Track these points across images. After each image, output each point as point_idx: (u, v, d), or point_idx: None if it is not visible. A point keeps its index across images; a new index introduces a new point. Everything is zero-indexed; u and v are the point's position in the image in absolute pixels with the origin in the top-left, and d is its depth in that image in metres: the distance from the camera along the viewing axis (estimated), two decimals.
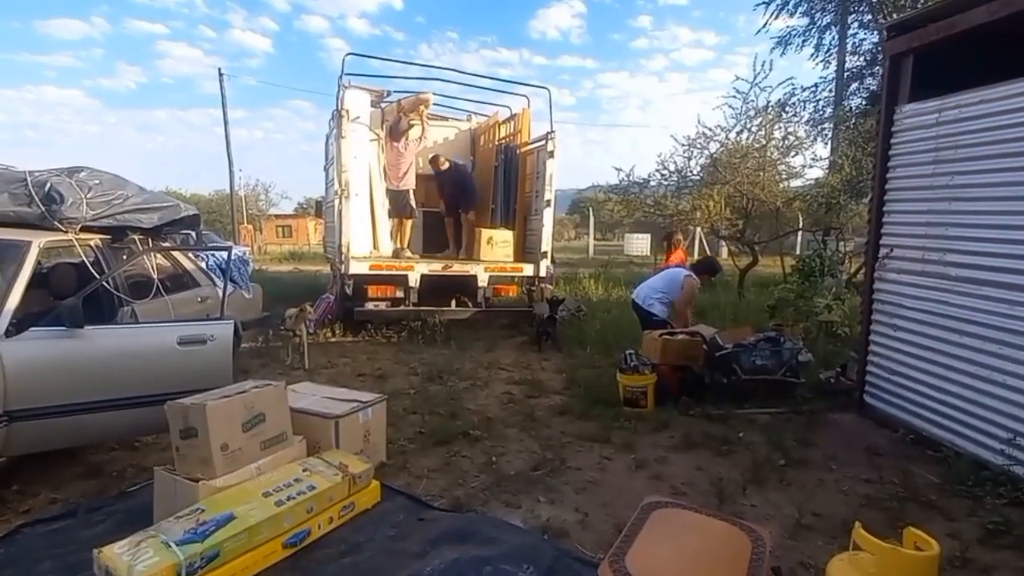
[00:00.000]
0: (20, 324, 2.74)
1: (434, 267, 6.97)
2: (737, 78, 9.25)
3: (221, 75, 20.37)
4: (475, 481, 3.14)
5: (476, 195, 7.76)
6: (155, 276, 3.96)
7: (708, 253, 24.76)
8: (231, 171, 20.43)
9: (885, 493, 3.04)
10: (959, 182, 3.55)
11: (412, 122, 7.40)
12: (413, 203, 7.40)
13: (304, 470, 2.57)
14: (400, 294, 6.74)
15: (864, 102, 12.89)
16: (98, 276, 3.31)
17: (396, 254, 7.27)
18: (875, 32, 12.89)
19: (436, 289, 7.07)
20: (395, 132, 7.24)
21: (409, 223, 7.52)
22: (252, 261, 7.19)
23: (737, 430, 3.87)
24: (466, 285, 7.24)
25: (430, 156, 7.62)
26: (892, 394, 4.01)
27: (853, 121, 11.59)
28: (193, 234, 4.97)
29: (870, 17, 12.87)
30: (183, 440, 2.46)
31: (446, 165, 7.54)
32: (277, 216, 35.73)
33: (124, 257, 3.83)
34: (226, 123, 19.89)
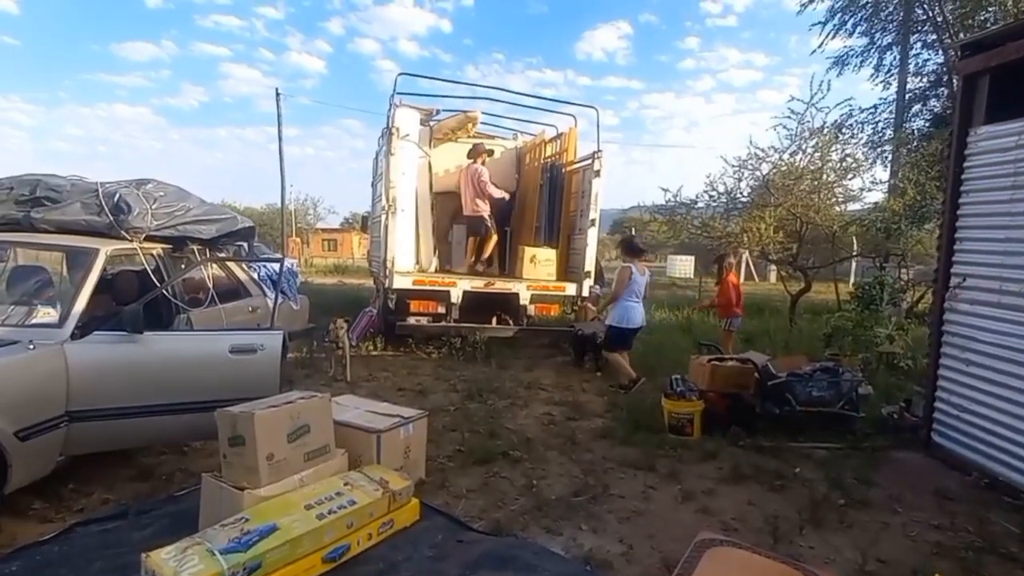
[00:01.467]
0: (85, 327, 2.87)
1: (476, 284, 6.98)
2: (792, 98, 9.03)
3: (278, 95, 21.29)
4: (515, 504, 3.08)
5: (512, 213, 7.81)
6: (210, 285, 4.09)
7: (755, 278, 24.22)
8: (283, 186, 21.16)
9: (958, 542, 2.81)
10: None
11: (459, 139, 7.50)
12: (490, 224, 7.46)
13: (345, 484, 2.56)
14: (442, 310, 6.76)
15: (927, 124, 12.37)
16: (158, 284, 3.45)
17: (470, 270, 7.39)
18: (939, 52, 12.40)
19: (478, 306, 7.06)
20: (473, 158, 7.41)
21: (492, 241, 7.61)
22: (300, 273, 7.38)
23: (791, 464, 3.68)
24: (508, 303, 7.22)
25: None
26: (964, 434, 3.73)
27: (915, 144, 11.13)
28: (245, 246, 5.13)
29: (934, 37, 12.38)
30: (231, 448, 2.49)
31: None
32: (324, 230, 36.89)
33: (183, 266, 4.00)
34: (280, 140, 20.75)
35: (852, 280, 18.23)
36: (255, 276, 5.02)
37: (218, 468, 2.55)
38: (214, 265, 4.37)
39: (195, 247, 4.02)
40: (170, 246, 3.85)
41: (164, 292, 3.56)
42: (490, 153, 7.74)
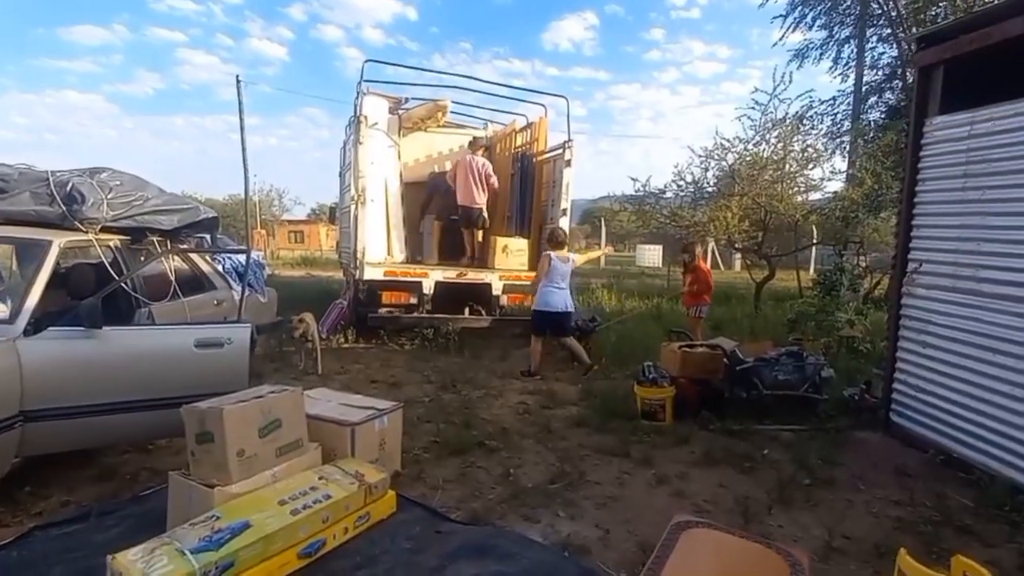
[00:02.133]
0: (39, 323, 2.72)
1: (448, 274, 6.92)
2: (756, 89, 9.22)
3: (239, 82, 20.62)
4: (492, 493, 3.07)
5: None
6: (172, 278, 3.94)
7: (720, 266, 24.74)
8: (246, 176, 20.61)
9: (918, 516, 2.93)
10: (992, 196, 3.46)
11: (429, 128, 7.39)
12: (485, 216, 7.35)
13: (320, 478, 2.52)
14: (414, 301, 6.70)
15: (883, 116, 12.78)
16: (117, 277, 3.30)
17: (468, 263, 7.29)
18: (894, 46, 12.81)
19: (450, 297, 7.02)
20: (472, 151, 7.31)
21: (481, 233, 7.53)
22: (267, 265, 7.17)
23: (759, 447, 3.77)
24: (480, 293, 7.19)
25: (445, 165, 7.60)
26: (921, 413, 3.89)
27: (872, 135, 11.50)
28: (208, 237, 4.97)
29: (889, 31, 12.78)
30: (199, 445, 2.41)
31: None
32: (290, 221, 36.02)
33: (143, 259, 3.84)
34: (242, 129, 20.11)
35: (812, 268, 18.84)
36: (220, 268, 4.86)
37: (184, 466, 2.49)
38: (176, 257, 4.19)
39: (155, 239, 3.85)
40: (128, 238, 3.68)
41: (123, 285, 3.42)
42: (487, 148, 7.60)
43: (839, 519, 2.88)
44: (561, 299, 5.63)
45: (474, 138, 7.62)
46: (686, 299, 6.87)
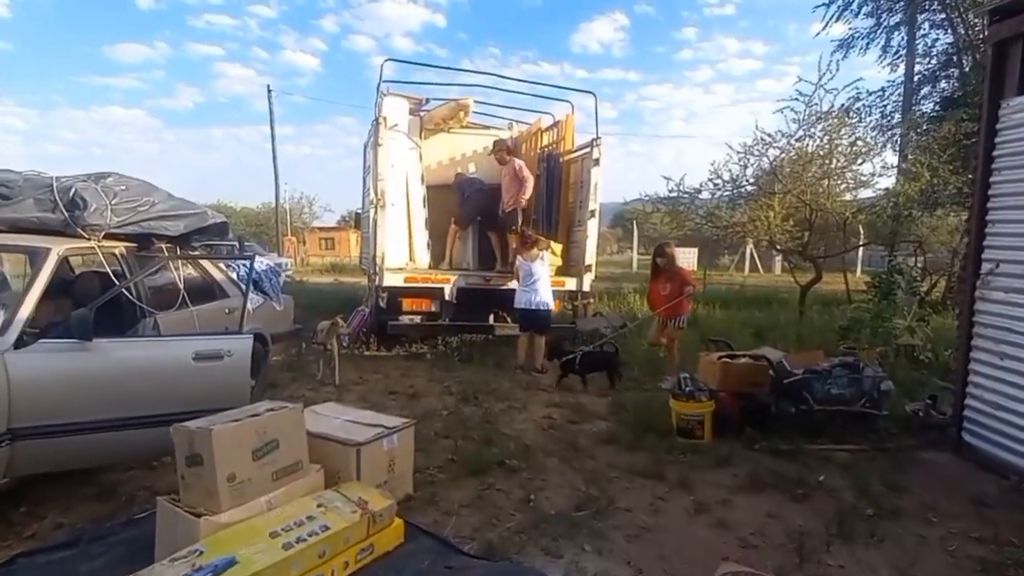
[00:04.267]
0: (33, 335, 2.61)
1: (472, 280, 6.73)
2: (800, 79, 8.71)
3: (269, 91, 21.09)
4: (511, 521, 2.83)
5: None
6: (181, 286, 3.84)
7: (760, 269, 23.93)
8: (277, 184, 21.13)
9: (1004, 557, 2.55)
10: None
11: (452, 129, 7.23)
12: (520, 219, 7.09)
13: (319, 506, 2.32)
14: (436, 308, 6.53)
15: (937, 107, 12.04)
16: (118, 285, 3.19)
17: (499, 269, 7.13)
18: (949, 31, 12.07)
19: (475, 303, 6.83)
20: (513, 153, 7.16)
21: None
22: (292, 270, 7.10)
23: (812, 470, 3.42)
24: (506, 299, 6.95)
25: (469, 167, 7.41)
26: (999, 433, 3.47)
27: (925, 127, 10.84)
28: (236, 243, 4.93)
29: (944, 16, 12.05)
30: (188, 468, 2.25)
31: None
32: (320, 228, 36.57)
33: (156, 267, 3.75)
34: (273, 138, 20.55)
35: (860, 270, 17.98)
36: (234, 276, 4.76)
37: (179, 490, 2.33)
38: (188, 265, 4.10)
39: (163, 245, 3.76)
40: (134, 245, 3.59)
41: (127, 294, 3.31)
42: (510, 151, 7.28)
43: (911, 559, 2.53)
44: (527, 297, 6.04)
45: (496, 141, 7.40)
46: (664, 310, 5.78)
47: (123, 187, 3.49)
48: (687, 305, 5.92)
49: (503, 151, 7.03)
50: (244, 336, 3.09)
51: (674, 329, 5.86)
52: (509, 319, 7.05)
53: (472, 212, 7.40)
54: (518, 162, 6.99)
